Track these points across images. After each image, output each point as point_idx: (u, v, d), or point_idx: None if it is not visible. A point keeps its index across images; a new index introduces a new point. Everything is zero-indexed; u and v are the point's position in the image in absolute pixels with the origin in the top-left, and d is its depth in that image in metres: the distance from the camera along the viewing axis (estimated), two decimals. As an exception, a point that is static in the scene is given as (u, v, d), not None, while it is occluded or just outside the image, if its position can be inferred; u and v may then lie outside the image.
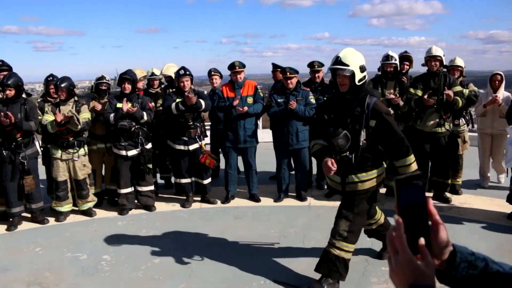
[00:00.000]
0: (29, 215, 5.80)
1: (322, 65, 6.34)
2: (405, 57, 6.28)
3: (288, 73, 5.89)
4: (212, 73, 6.86)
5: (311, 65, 6.37)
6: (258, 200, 6.20)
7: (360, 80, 3.45)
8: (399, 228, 0.89)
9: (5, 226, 5.59)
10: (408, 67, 6.30)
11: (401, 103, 5.60)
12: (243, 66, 6.16)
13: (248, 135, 6.07)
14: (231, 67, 6.12)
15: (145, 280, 4.12)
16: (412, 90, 5.65)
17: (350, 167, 3.59)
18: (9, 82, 5.32)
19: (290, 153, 6.14)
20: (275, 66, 6.95)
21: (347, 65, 3.38)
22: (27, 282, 4.18)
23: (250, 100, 6.09)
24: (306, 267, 4.11)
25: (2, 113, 5.15)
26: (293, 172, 6.40)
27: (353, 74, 3.40)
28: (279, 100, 6.02)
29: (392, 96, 5.58)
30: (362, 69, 3.46)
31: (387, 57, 5.88)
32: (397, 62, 5.88)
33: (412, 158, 3.59)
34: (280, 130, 6.09)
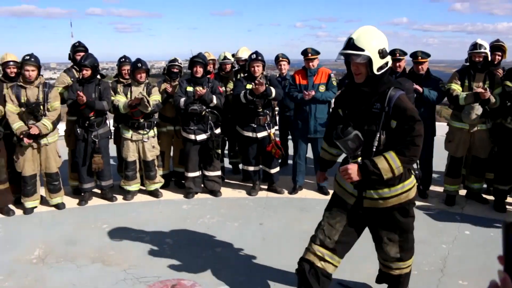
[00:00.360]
0: (99, 191, 5.97)
1: (404, 53, 5.90)
2: (497, 47, 5.67)
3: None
4: (280, 59, 6.62)
5: (392, 53, 5.96)
6: (326, 193, 5.93)
7: (380, 68, 2.67)
8: None
9: (76, 201, 5.81)
10: (500, 57, 5.71)
11: (492, 98, 5.06)
12: (317, 53, 5.88)
13: (320, 124, 5.81)
14: (304, 53, 5.88)
15: (204, 268, 4.03)
16: (509, 83, 5.10)
17: (368, 178, 2.77)
18: (86, 63, 5.44)
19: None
20: None
21: (362, 50, 2.62)
22: (92, 258, 4.26)
23: (322, 88, 5.82)
24: (374, 270, 3.82)
25: (78, 92, 5.29)
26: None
27: (370, 61, 2.63)
28: (351, 90, 5.69)
29: (481, 89, 5.04)
30: (383, 54, 2.66)
31: (475, 46, 5.28)
32: (488, 51, 5.31)
33: (395, 161, 2.66)
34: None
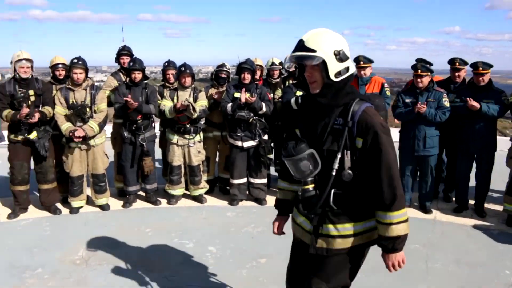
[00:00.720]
0: (143, 194, 5.95)
1: (464, 63, 5.58)
2: None
3: (419, 71, 5.26)
4: None
5: (451, 62, 5.64)
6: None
7: (338, 74, 2.16)
8: None
9: (121, 202, 5.82)
10: None
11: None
12: (370, 61, 5.67)
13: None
14: (356, 61, 5.67)
15: (248, 280, 3.89)
16: None
17: (324, 211, 2.29)
18: (137, 66, 5.44)
19: (416, 159, 5.52)
20: (420, 61, 6.10)
21: (314, 51, 2.13)
22: (134, 262, 4.20)
23: (374, 98, 5.56)
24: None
25: (128, 97, 5.29)
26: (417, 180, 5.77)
27: (325, 65, 2.13)
28: (406, 100, 5.42)
29: None
30: (340, 56, 2.15)
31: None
32: None
33: (398, 215, 2.18)
34: (406, 133, 5.50)
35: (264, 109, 5.53)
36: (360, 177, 2.22)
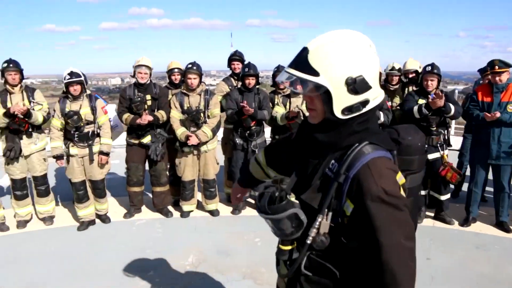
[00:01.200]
0: (252, 201, 5.86)
1: None
2: None
3: None
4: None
5: None
6: (508, 230, 5.01)
7: (348, 110, 1.49)
8: None
9: (230, 208, 5.78)
10: None
11: None
12: (506, 65, 5.01)
13: (504, 150, 4.93)
14: (490, 66, 5.07)
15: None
16: None
17: (298, 274, 1.69)
18: (252, 72, 5.36)
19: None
20: None
21: (315, 72, 1.44)
22: (243, 273, 4.09)
23: (511, 108, 4.95)
24: None
25: (243, 102, 5.21)
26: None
27: (328, 94, 1.46)
28: (550, 110, 4.75)
29: None
30: (356, 85, 1.45)
31: None
32: None
33: None
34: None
35: (382, 118, 5.14)
36: (344, 244, 1.56)
